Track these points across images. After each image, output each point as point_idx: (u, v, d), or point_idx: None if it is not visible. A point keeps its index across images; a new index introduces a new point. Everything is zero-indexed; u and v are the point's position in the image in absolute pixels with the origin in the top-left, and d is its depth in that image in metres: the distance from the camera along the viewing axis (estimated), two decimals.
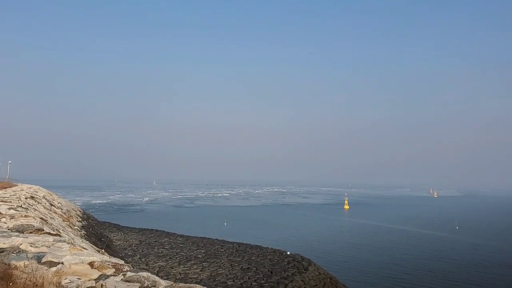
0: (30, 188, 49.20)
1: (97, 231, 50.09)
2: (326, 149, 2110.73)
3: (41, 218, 22.04)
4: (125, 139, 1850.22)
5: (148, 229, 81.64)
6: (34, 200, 35.40)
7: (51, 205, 39.75)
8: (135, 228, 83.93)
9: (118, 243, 54.16)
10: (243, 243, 57.93)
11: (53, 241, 13.73)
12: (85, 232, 36.94)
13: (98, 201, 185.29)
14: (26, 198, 34.05)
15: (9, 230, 15.42)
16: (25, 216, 19.74)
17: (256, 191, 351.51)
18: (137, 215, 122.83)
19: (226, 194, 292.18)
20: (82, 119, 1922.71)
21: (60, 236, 16.11)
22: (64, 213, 40.29)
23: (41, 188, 59.83)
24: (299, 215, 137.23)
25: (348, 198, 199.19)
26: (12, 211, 21.11)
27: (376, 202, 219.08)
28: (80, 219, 47.48)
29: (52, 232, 16.60)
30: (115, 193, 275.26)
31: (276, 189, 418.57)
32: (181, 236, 69.15)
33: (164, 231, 77.90)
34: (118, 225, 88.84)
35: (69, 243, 14.33)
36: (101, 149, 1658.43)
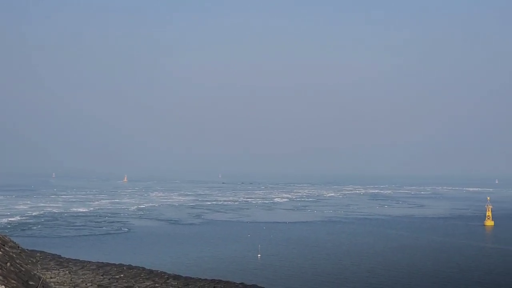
0: None
1: (21, 267, 33.24)
2: None
3: None
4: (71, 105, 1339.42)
5: (115, 264, 58.01)
6: None
7: None
8: (89, 262, 59.87)
9: None
10: None
11: None
12: None
13: (29, 213, 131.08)
14: None
15: None
16: None
17: (329, 194, 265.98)
18: (96, 239, 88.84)
19: (281, 199, 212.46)
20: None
21: None
22: None
23: None
24: (398, 239, 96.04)
25: (492, 205, 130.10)
26: None
27: None
28: None
29: None
30: (54, 197, 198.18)
31: (359, 190, 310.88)
32: (176, 277, 48.19)
33: (143, 268, 55.53)
34: (60, 256, 64.49)
35: None
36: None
